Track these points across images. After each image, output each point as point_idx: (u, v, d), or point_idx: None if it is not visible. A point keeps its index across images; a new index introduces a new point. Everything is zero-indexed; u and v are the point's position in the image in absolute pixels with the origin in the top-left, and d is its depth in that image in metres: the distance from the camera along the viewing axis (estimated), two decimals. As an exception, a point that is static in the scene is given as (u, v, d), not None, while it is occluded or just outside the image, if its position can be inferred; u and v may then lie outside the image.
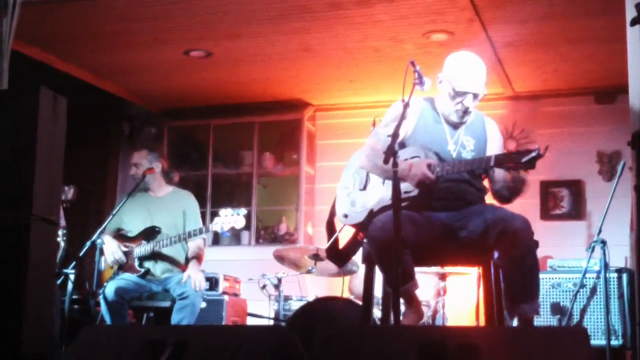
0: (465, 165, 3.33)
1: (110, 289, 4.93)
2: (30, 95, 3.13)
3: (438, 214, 3.48)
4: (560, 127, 6.76)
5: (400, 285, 3.29)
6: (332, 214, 3.83)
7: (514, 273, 3.31)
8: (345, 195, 3.75)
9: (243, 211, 5.11)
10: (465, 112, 3.53)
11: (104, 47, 6.06)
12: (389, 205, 3.36)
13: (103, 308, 4.92)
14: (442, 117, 3.60)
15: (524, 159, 3.14)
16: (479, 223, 3.39)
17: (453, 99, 3.53)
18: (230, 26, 5.64)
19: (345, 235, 3.80)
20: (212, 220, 7.34)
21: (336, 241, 3.75)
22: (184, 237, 5.07)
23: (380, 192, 3.55)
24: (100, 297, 4.93)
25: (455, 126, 3.59)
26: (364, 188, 3.66)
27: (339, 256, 3.81)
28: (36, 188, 3.03)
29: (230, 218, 5.07)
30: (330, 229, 3.85)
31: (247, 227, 6.35)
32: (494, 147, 3.62)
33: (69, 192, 4.86)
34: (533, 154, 3.14)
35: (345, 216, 3.68)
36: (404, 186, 3.43)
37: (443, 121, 3.60)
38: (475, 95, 3.52)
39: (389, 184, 3.48)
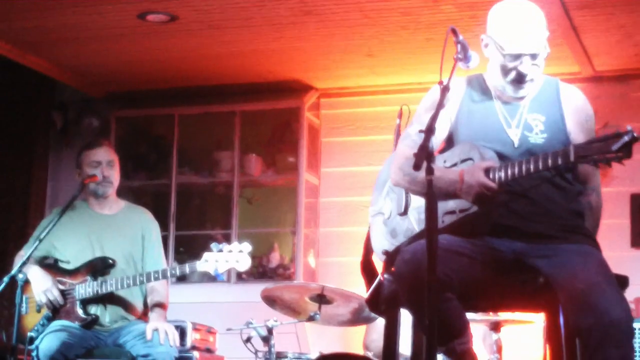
0: (535, 165, 3.29)
1: (48, 345, 4.88)
2: None
3: (511, 243, 3.43)
4: (659, 119, 6.77)
5: (445, 342, 3.29)
6: (369, 251, 3.82)
7: None
8: (382, 224, 3.74)
9: (247, 246, 5.08)
10: (522, 80, 3.51)
11: (28, 7, 6.07)
12: (440, 229, 3.32)
13: None
14: (494, 94, 3.59)
15: (616, 146, 3.09)
16: (561, 285, 3.31)
17: (504, 66, 3.51)
18: (203, -21, 5.70)
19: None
20: (176, 249, 7.34)
21: (380, 286, 3.70)
22: (142, 280, 5.07)
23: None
24: (33, 356, 4.89)
25: (514, 102, 3.57)
26: (405, 212, 3.65)
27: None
28: None
29: (229, 255, 5.04)
30: (369, 271, 3.83)
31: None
32: (576, 120, 3.55)
33: None
34: (626, 138, 3.07)
35: (386, 253, 3.67)
36: (457, 203, 3.41)
37: (496, 99, 3.58)
38: (533, 56, 3.50)
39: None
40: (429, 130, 3.20)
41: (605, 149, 3.11)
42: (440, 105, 3.30)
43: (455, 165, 3.46)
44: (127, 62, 7.07)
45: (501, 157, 3.43)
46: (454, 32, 3.40)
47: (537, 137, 3.51)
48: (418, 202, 3.57)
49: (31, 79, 7.23)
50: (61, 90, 7.69)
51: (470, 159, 3.44)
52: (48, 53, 6.94)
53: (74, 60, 7.05)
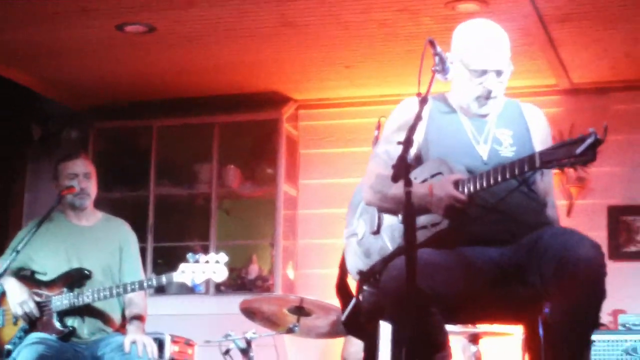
0: (502, 173, 3.31)
1: (25, 357, 4.87)
2: None
3: (487, 250, 3.45)
4: (637, 131, 6.77)
5: (426, 356, 3.28)
6: (344, 272, 3.82)
7: (566, 314, 3.28)
8: (356, 245, 3.74)
9: (224, 257, 5.06)
10: (488, 96, 3.56)
11: (8, 19, 6.04)
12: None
13: None
14: (460, 112, 3.63)
15: (580, 149, 3.11)
16: (536, 252, 3.36)
17: (470, 82, 3.56)
18: (181, -9, 5.67)
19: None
20: (154, 261, 7.30)
21: (357, 308, 3.71)
22: (119, 292, 5.04)
23: (398, 232, 3.54)
24: None
25: (480, 119, 3.61)
26: (377, 231, 3.65)
27: (364, 328, 3.78)
28: None
29: (205, 266, 5.03)
30: (344, 293, 3.84)
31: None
32: (540, 138, 3.61)
33: None
34: (589, 140, 3.10)
35: (361, 273, 3.66)
36: (428, 218, 3.41)
37: (462, 116, 3.62)
38: (498, 73, 3.55)
39: None
40: (408, 142, 3.21)
41: (570, 153, 3.14)
42: (418, 117, 3.30)
43: (425, 180, 3.46)
44: (106, 74, 7.04)
45: (471, 172, 3.45)
46: (432, 44, 3.41)
47: (507, 151, 3.55)
48: (390, 221, 3.58)
49: (10, 90, 7.20)
50: (40, 102, 7.66)
51: (440, 173, 3.46)
52: (27, 65, 6.92)
53: (52, 72, 7.03)
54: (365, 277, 3.59)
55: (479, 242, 3.45)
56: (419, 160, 3.58)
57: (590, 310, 3.30)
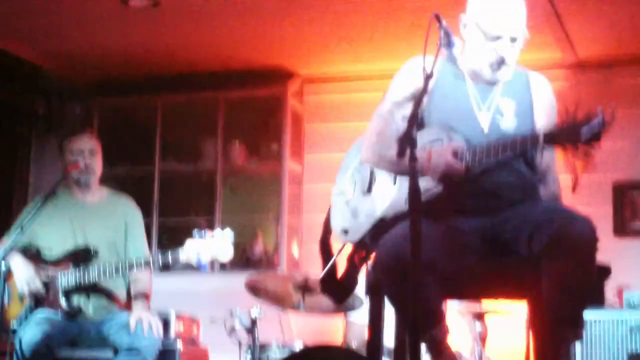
0: (503, 149, 3.33)
1: (31, 335, 4.88)
2: None
3: (470, 220, 3.46)
4: (644, 106, 6.76)
5: (424, 330, 3.27)
6: (327, 230, 3.83)
7: (558, 291, 3.28)
8: (344, 204, 3.74)
9: (229, 233, 5.03)
10: (502, 62, 3.53)
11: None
12: (405, 213, 3.32)
13: None
14: (467, 76, 3.61)
15: (585, 130, 3.11)
16: (524, 228, 3.36)
17: (483, 47, 3.53)
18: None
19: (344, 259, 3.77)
20: (159, 237, 7.28)
21: (334, 268, 3.72)
22: (124, 269, 5.05)
23: (390, 194, 3.54)
24: (16, 347, 4.87)
25: (486, 86, 3.59)
26: (368, 190, 3.65)
27: (339, 289, 3.78)
28: None
29: (211, 242, 5.02)
30: (326, 251, 3.85)
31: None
32: (544, 111, 3.60)
33: None
34: (595, 122, 3.11)
35: (346, 232, 3.69)
36: (422, 182, 3.40)
37: (469, 81, 3.60)
38: (512, 39, 3.52)
39: (402, 181, 3.47)
40: (414, 117, 3.20)
41: (574, 133, 3.15)
42: (424, 92, 3.31)
43: (424, 145, 3.43)
44: (110, 48, 7.04)
45: (470, 142, 3.45)
46: (437, 18, 3.39)
47: (509, 123, 3.54)
48: (382, 185, 3.59)
49: (14, 65, 7.19)
50: (44, 77, 7.64)
51: (439, 139, 3.46)
52: (30, 39, 6.92)
53: (56, 46, 7.03)
54: (356, 247, 3.61)
55: (469, 209, 3.46)
56: (421, 122, 3.56)
57: (581, 288, 3.30)
